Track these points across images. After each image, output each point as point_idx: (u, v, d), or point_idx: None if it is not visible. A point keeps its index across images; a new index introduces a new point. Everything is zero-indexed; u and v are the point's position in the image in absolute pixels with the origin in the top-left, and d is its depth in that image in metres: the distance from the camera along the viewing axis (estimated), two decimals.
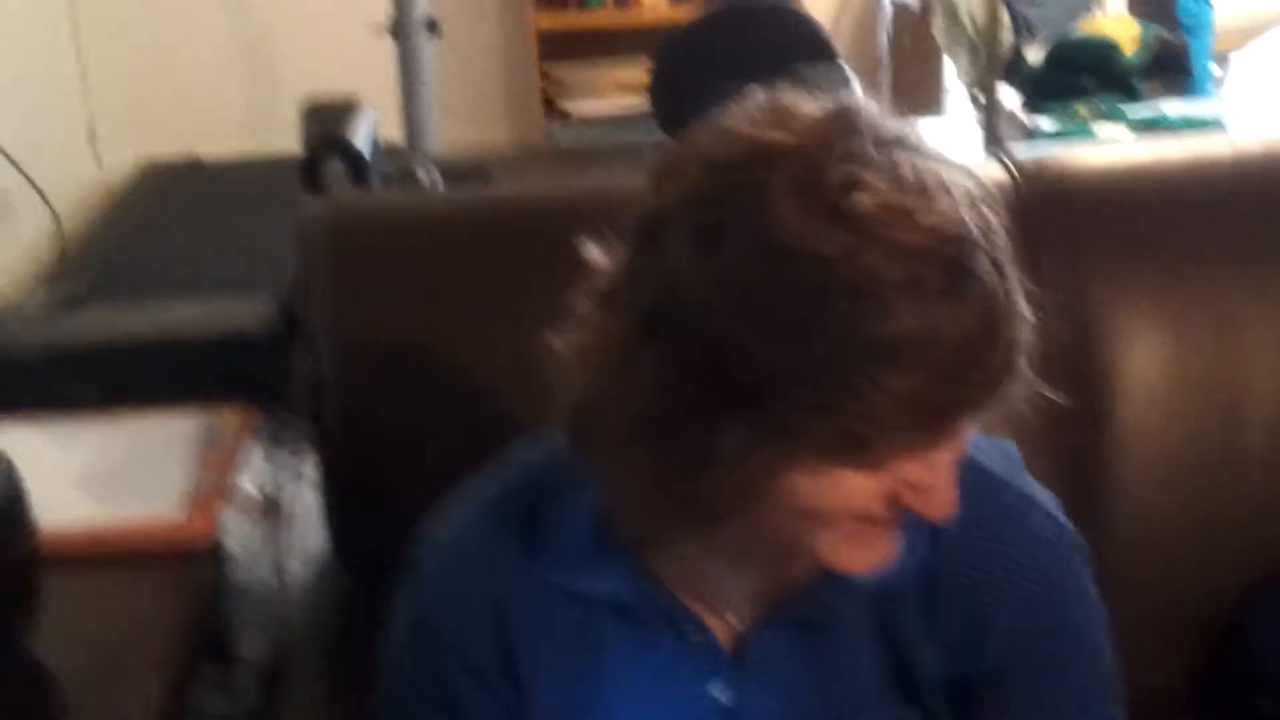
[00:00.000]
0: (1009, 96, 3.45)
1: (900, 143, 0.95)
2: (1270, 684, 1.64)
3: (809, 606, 1.14)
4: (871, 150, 0.93)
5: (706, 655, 1.16)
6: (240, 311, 3.22)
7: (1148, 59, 3.45)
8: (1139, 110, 3.35)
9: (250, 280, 3.61)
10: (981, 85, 3.39)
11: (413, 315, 1.70)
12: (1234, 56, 4.19)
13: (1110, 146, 1.93)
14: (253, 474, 2.02)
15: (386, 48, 4.06)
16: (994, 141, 2.94)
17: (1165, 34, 3.52)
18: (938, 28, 4.00)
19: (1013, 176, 1.76)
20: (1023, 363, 0.96)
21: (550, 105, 5.01)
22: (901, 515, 1.02)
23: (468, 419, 1.66)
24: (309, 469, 1.88)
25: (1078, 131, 3.19)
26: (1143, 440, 1.68)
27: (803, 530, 1.02)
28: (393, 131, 4.25)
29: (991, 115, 2.92)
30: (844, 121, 0.95)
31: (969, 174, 0.96)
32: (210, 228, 4.43)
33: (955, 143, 3.77)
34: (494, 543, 1.18)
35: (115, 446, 1.72)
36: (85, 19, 4.99)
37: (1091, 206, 1.75)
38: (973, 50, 3.70)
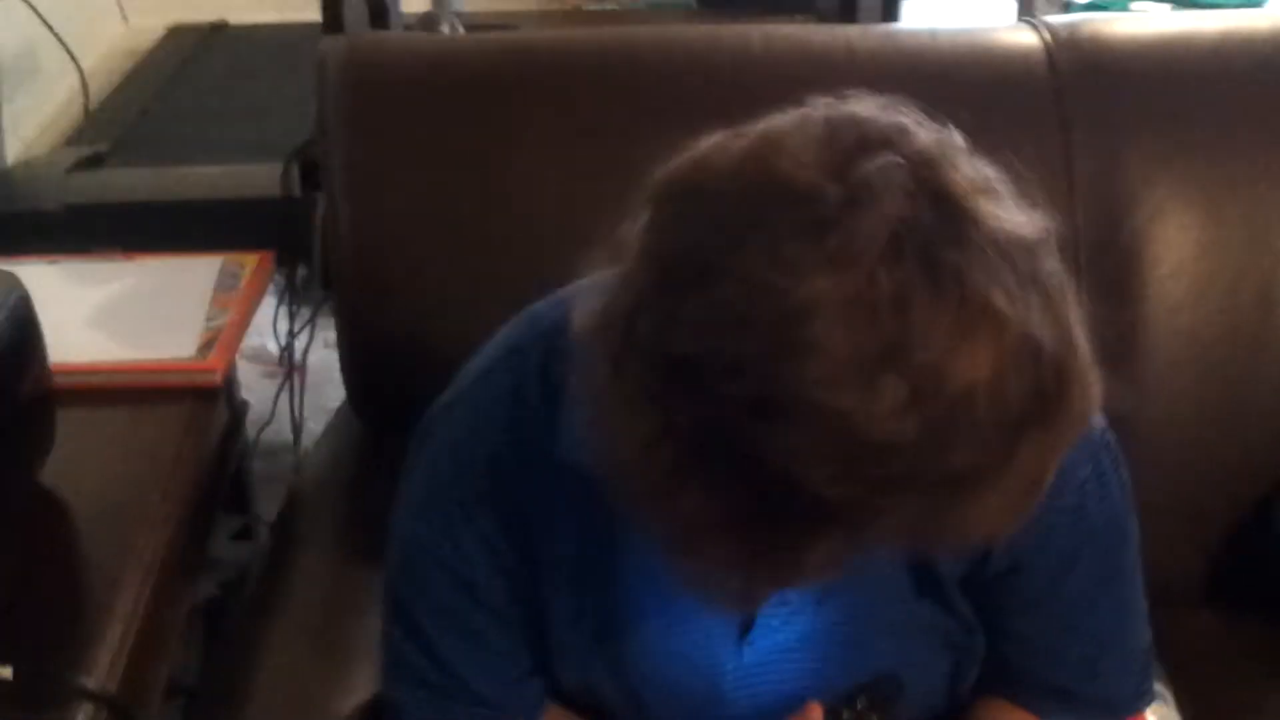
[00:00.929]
0: None
1: (961, 241, 0.83)
2: None
3: None
4: (927, 277, 0.81)
5: None
6: (261, 174, 3.20)
7: None
8: None
9: (273, 146, 3.59)
10: None
11: (430, 160, 1.67)
12: None
13: (1146, 15, 1.89)
14: (271, 329, 2.02)
15: None
16: (1027, 8, 2.89)
17: None
18: None
19: (1046, 43, 1.73)
20: None
21: None
22: None
23: (483, 269, 1.64)
24: (327, 325, 1.87)
25: (1115, 3, 3.13)
26: (1173, 319, 1.65)
27: None
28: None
29: None
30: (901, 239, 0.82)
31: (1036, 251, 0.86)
32: (235, 92, 4.40)
33: (990, 7, 3.69)
34: (508, 414, 1.14)
35: (133, 288, 1.71)
36: None
37: (1126, 76, 1.71)
38: None
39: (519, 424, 1.13)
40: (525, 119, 1.67)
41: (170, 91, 4.38)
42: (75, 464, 1.49)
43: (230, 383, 1.64)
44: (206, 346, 1.57)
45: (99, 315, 1.65)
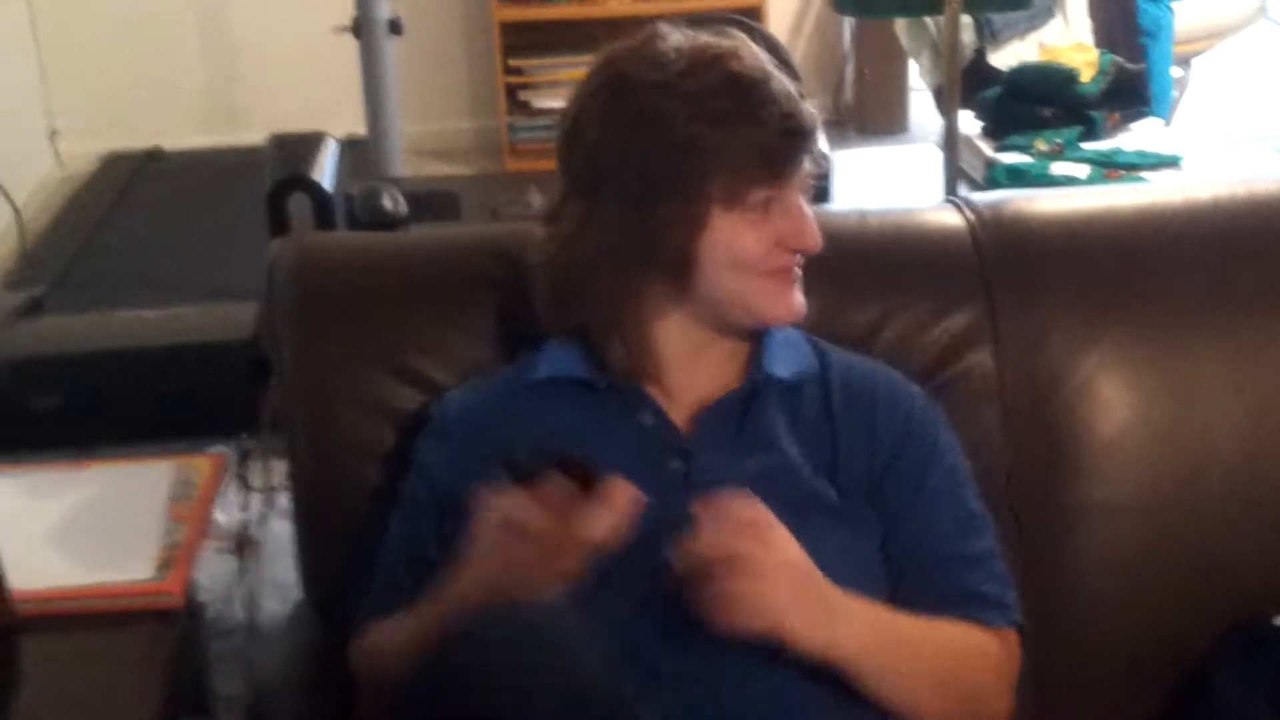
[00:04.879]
0: (969, 123, 3.46)
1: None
2: None
3: (737, 394, 1.55)
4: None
5: (661, 432, 1.53)
6: (204, 319, 3.21)
7: (1105, 86, 3.46)
8: (1096, 146, 3.40)
9: (214, 276, 3.62)
10: (941, 89, 3.41)
11: (376, 357, 1.72)
12: (1195, 61, 4.22)
13: (1065, 193, 1.95)
14: (226, 508, 2.03)
15: (350, 38, 4.06)
16: (953, 170, 2.96)
17: (1122, 61, 3.51)
18: (900, 28, 4.01)
19: (970, 222, 1.78)
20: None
21: (513, 98, 5.01)
22: (791, 265, 1.52)
23: None
24: (282, 501, 1.89)
25: (1035, 169, 3.25)
26: (1103, 491, 1.70)
27: (734, 282, 1.50)
28: (358, 125, 4.26)
29: (951, 144, 2.94)
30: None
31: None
32: (172, 223, 4.43)
33: (918, 171, 3.76)
34: (494, 383, 1.61)
35: (88, 500, 1.72)
36: (44, 15, 4.95)
37: (1048, 253, 1.77)
38: (935, 52, 3.71)
39: (500, 390, 1.60)
40: (464, 308, 1.72)
41: (107, 223, 4.41)
42: (39, 692, 1.50)
43: (191, 596, 1.65)
44: (165, 565, 1.59)
45: (55, 532, 1.66)
